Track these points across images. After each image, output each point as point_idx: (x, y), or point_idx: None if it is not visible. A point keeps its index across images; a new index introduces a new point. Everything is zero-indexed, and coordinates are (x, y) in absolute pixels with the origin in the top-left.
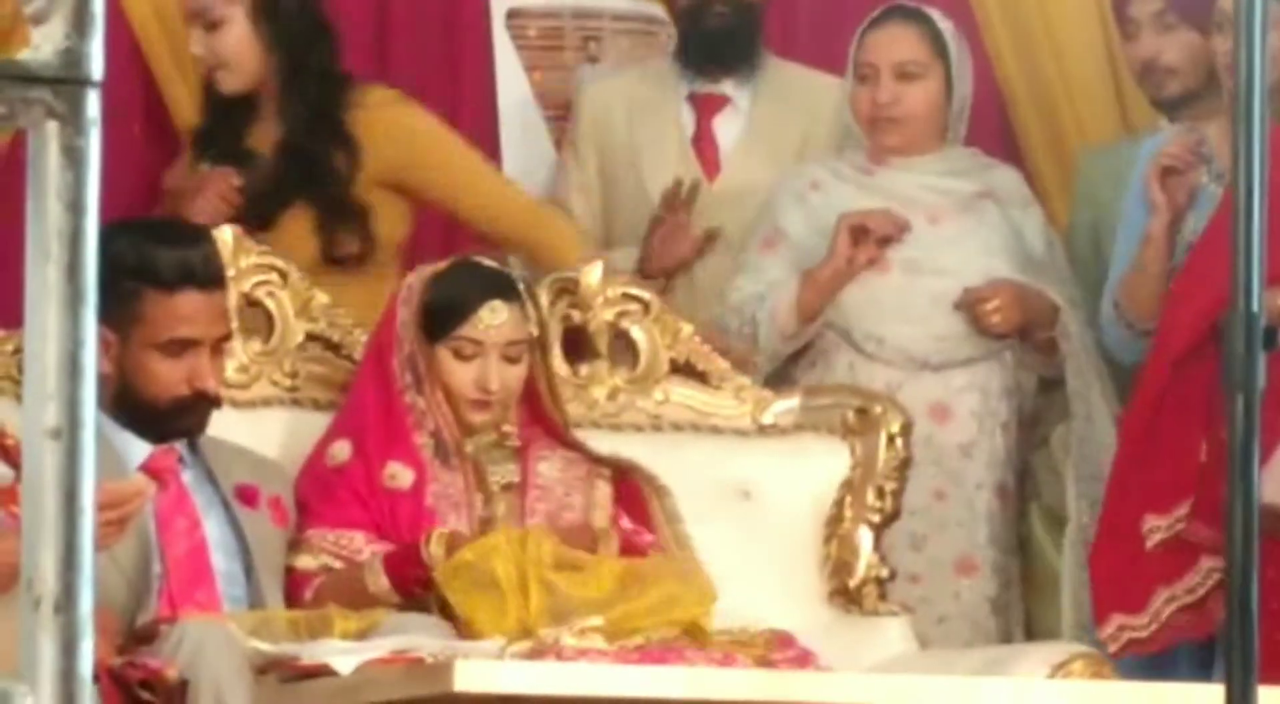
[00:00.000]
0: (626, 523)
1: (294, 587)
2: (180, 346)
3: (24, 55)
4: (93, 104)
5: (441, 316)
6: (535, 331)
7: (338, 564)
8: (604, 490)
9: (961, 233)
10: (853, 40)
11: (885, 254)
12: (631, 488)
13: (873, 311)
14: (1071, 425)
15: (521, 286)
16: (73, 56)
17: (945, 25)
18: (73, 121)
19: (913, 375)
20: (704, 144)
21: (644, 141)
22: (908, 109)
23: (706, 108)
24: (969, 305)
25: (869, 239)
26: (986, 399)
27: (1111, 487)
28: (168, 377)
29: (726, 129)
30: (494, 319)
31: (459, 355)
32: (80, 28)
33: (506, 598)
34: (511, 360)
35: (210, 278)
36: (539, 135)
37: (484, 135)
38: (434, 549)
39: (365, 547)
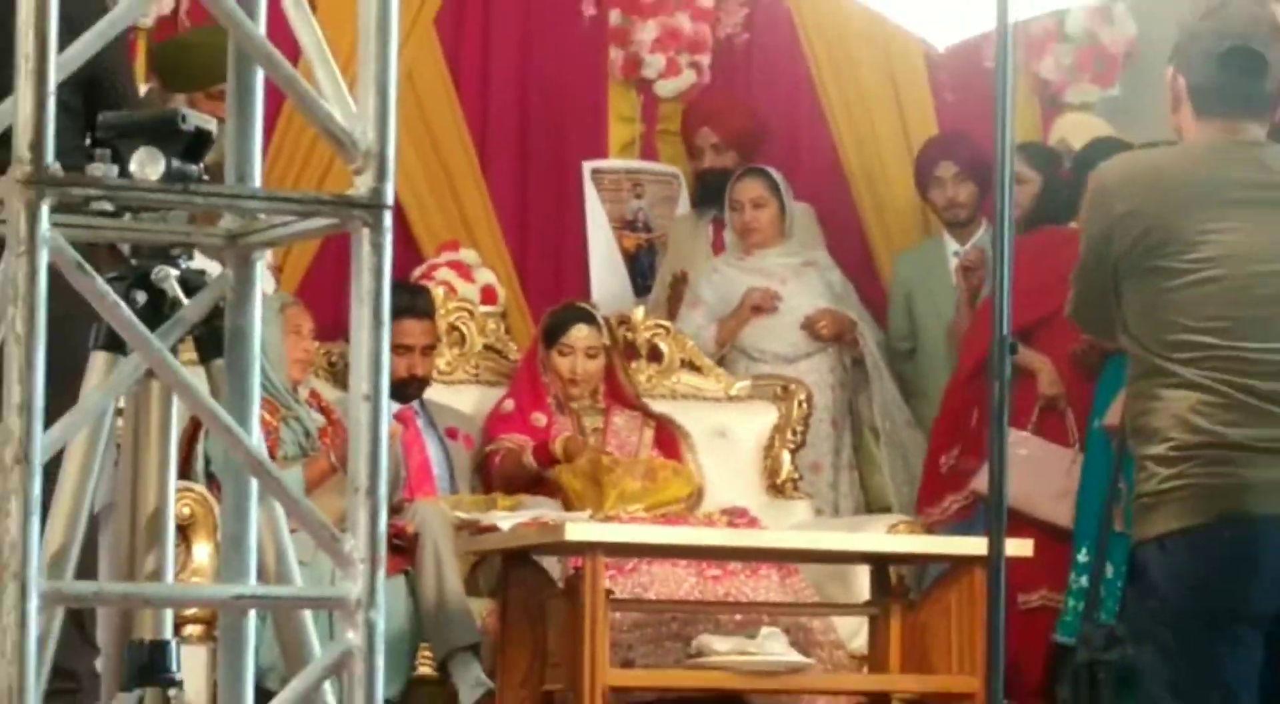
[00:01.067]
0: (656, 454)
1: (489, 462)
2: (402, 350)
3: (350, 191)
4: (388, 218)
5: (552, 333)
6: (607, 342)
7: (510, 445)
8: (648, 435)
9: (799, 287)
10: (727, 188)
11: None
12: (668, 432)
13: (757, 335)
14: (871, 387)
15: (598, 316)
16: (378, 193)
17: (778, 176)
18: (377, 228)
19: (779, 366)
20: (716, 245)
21: (692, 246)
22: (761, 224)
23: (718, 225)
24: (808, 325)
25: (763, 304)
26: (821, 374)
27: (931, 448)
28: (396, 366)
29: (727, 236)
30: (579, 333)
31: (560, 354)
32: (380, 176)
33: (590, 485)
34: (591, 357)
35: (420, 312)
36: (610, 241)
37: (578, 244)
38: (556, 446)
39: (522, 440)
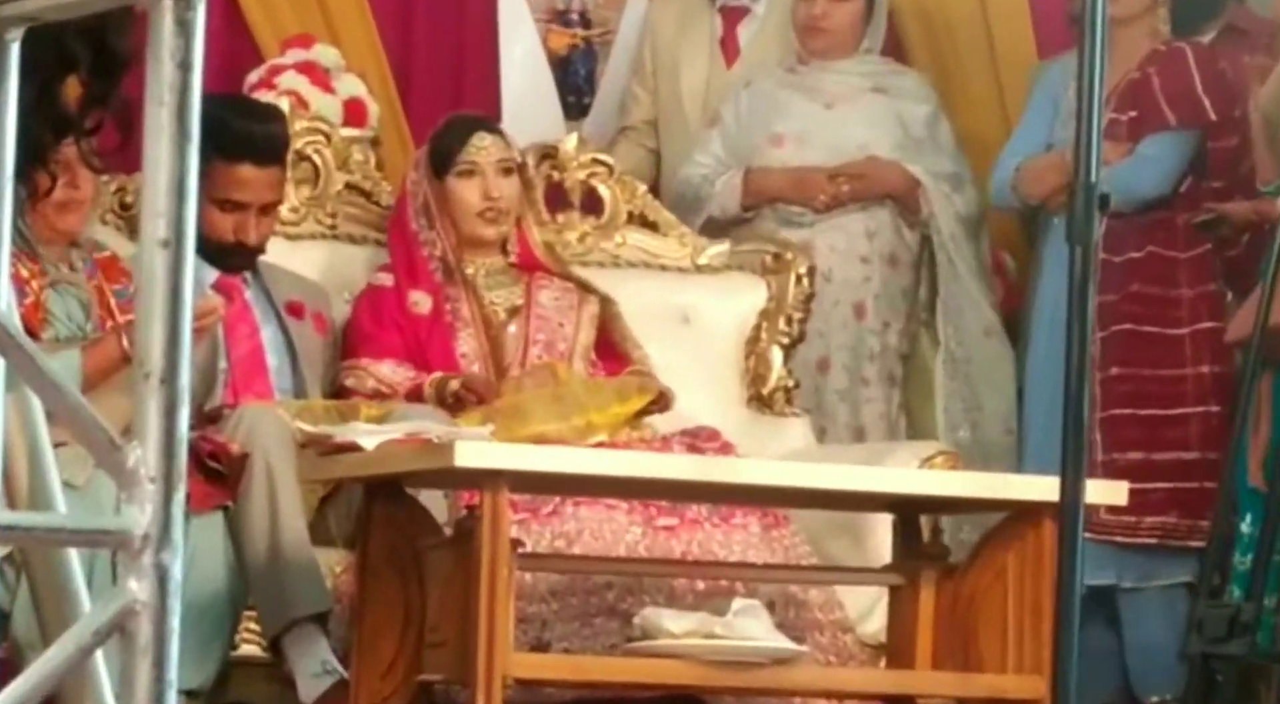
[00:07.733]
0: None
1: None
2: (231, 206)
3: None
4: None
5: (444, 155)
6: (519, 157)
7: (376, 387)
8: (591, 311)
9: (848, 116)
10: None
11: (782, 134)
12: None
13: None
14: (938, 271)
15: (505, 132)
16: None
17: None
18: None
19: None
20: (728, 45)
21: (683, 44)
22: (834, 23)
23: (731, 17)
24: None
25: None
26: (852, 240)
27: None
28: (219, 226)
29: (746, 33)
30: (482, 143)
31: (465, 176)
32: None
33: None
34: (506, 172)
35: (268, 155)
36: (532, 40)
37: (485, 42)
38: (428, 389)
39: (393, 374)
